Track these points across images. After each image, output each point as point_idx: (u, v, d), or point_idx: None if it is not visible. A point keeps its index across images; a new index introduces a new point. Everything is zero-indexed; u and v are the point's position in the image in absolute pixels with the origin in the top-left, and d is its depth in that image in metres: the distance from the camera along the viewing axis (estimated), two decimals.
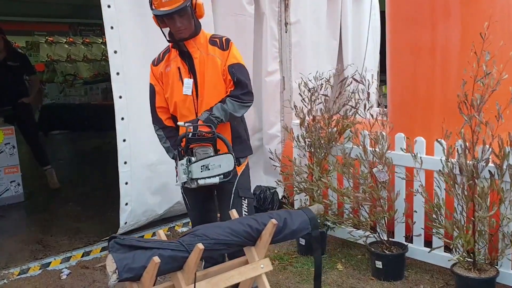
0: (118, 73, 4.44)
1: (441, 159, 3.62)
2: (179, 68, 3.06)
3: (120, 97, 4.47)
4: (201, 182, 2.67)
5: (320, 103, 4.33)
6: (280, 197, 5.19)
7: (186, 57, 3.06)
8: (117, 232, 4.56)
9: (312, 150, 4.33)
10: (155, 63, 3.19)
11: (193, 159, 2.70)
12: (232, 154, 2.61)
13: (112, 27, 4.30)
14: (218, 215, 3.36)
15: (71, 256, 4.34)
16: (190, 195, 3.16)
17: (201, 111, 3.00)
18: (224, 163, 2.66)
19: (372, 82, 4.35)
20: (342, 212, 4.41)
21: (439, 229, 3.64)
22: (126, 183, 4.56)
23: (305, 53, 5.77)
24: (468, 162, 3.46)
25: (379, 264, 3.88)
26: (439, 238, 3.72)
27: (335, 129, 4.24)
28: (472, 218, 3.42)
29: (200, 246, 2.14)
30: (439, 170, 3.66)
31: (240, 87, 3.02)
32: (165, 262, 2.11)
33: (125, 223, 4.56)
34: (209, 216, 3.29)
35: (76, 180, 6.99)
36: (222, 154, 2.68)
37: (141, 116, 4.56)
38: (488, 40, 3.34)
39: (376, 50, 6.60)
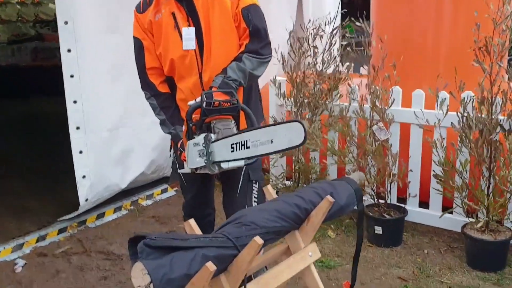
0: (66, 22, 3.55)
1: (457, 113, 3.18)
2: (173, 14, 2.25)
3: (69, 50, 3.59)
4: (224, 166, 1.93)
5: (309, 55, 3.72)
6: None
7: None
8: (78, 210, 3.75)
9: (301, 110, 3.74)
10: (141, 9, 2.34)
11: (212, 136, 1.94)
12: (300, 122, 1.66)
13: None
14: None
15: (23, 243, 3.50)
16: (188, 173, 2.47)
17: (207, 71, 2.25)
18: (281, 136, 1.69)
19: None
20: (326, 175, 3.91)
21: (451, 189, 3.23)
22: (81, 152, 3.74)
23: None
24: (483, 116, 3.05)
25: (378, 230, 3.43)
26: (449, 198, 3.31)
27: (329, 84, 3.66)
28: (495, 177, 3.02)
29: (259, 240, 1.50)
30: (451, 124, 3.23)
31: (258, 38, 2.27)
32: None
33: (86, 200, 3.76)
34: (207, 197, 2.65)
35: (12, 151, 5.88)
36: (281, 123, 1.74)
37: (95, 73, 3.77)
38: None
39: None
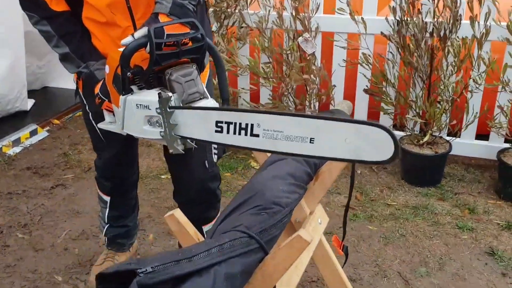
0: None
1: (386, 18, 2.80)
2: None
3: None
4: (193, 143, 1.25)
5: None
6: None
7: None
8: None
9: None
10: None
11: (171, 96, 1.21)
12: (387, 129, 0.93)
13: None
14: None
15: None
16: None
17: None
18: (336, 138, 0.97)
19: None
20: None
21: (386, 103, 2.93)
22: None
23: None
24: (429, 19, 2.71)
25: None
26: (385, 113, 3.02)
27: None
28: (440, 87, 2.75)
29: (307, 236, 0.93)
30: (381, 33, 2.86)
31: None
32: (238, 286, 0.88)
33: None
34: (133, 154, 1.98)
35: None
36: (341, 119, 0.98)
37: None
38: None
39: None
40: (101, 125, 1.49)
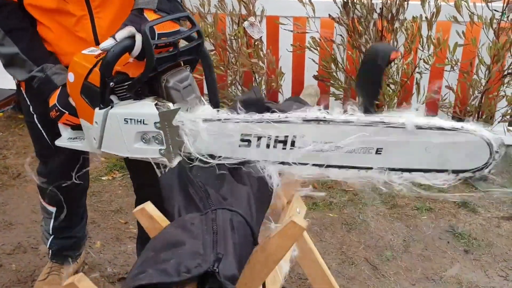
0: None
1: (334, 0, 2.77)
2: None
3: None
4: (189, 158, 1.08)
5: None
6: None
7: None
8: None
9: None
10: None
11: (176, 108, 1.04)
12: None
13: None
14: None
15: None
16: (55, 130, 1.45)
17: None
18: (413, 147, 0.91)
19: None
20: None
21: (337, 88, 2.90)
22: None
23: None
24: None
25: None
26: (337, 99, 2.99)
27: None
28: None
29: (302, 221, 0.83)
30: (329, 16, 2.83)
31: None
32: None
33: None
34: (82, 161, 1.75)
35: None
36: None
37: None
38: None
39: None
40: (60, 143, 1.29)
